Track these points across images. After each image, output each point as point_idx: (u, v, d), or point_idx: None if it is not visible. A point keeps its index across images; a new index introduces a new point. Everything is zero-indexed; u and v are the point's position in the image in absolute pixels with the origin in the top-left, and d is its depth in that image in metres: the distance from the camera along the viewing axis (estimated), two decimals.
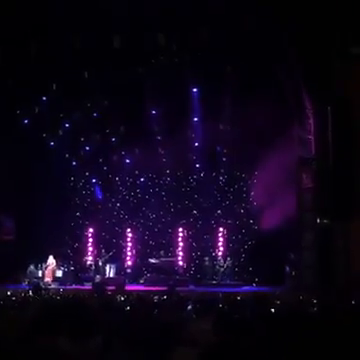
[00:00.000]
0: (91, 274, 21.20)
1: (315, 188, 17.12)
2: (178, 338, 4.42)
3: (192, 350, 3.87)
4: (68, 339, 4.35)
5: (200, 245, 22.50)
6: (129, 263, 22.67)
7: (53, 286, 19.17)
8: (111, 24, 16.29)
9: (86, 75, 18.00)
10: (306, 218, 17.57)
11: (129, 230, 22.96)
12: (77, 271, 22.10)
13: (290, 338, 4.56)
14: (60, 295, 12.89)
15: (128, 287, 19.16)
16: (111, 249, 21.75)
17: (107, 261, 21.39)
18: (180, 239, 22.54)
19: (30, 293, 13.48)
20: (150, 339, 4.22)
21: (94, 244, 22.84)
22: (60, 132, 21.00)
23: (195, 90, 18.64)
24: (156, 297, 10.25)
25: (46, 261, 20.50)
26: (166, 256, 21.69)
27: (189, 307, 7.75)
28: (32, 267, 20.48)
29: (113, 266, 21.53)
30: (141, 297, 10.30)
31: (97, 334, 4.45)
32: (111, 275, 21.38)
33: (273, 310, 7.36)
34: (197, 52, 16.98)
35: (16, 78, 17.49)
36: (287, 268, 19.03)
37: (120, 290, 16.39)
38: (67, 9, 15.49)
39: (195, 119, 19.82)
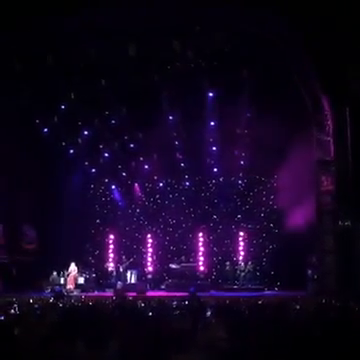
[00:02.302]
0: (113, 280, 21.28)
1: (335, 190, 16.93)
2: (193, 343, 4.42)
3: (203, 355, 3.87)
4: (85, 344, 4.39)
5: (221, 250, 22.46)
6: (150, 269, 22.72)
7: (75, 293, 19.29)
8: (127, 32, 16.44)
9: (103, 83, 18.16)
10: (326, 221, 17.38)
11: (149, 236, 23.03)
12: (99, 278, 22.22)
13: (308, 344, 4.53)
14: (81, 302, 12.95)
15: (149, 293, 19.21)
16: (132, 255, 21.82)
17: (128, 267, 21.46)
18: (200, 244, 22.52)
19: (52, 300, 13.59)
20: (162, 345, 4.23)
21: (115, 251, 22.96)
22: (79, 140, 21.22)
23: (211, 95, 18.64)
24: (176, 303, 10.24)
25: (68, 268, 20.65)
26: (187, 261, 21.67)
27: (208, 313, 7.74)
28: (54, 274, 20.67)
29: (134, 272, 21.58)
30: (161, 302, 10.31)
31: (114, 339, 4.47)
32: (132, 281, 21.42)
33: (293, 315, 7.30)
34: (213, 57, 17.01)
35: (34, 88, 17.75)
36: (309, 272, 18.83)
37: (141, 296, 16.44)
38: (83, 19, 15.71)
39: (212, 123, 19.81)
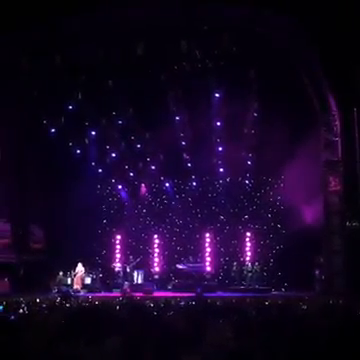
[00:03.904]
0: (120, 281, 21.30)
1: (342, 191, 16.88)
2: (200, 344, 4.42)
3: (211, 355, 3.85)
4: (91, 345, 4.39)
5: (228, 250, 22.39)
6: (157, 269, 22.71)
7: (82, 293, 19.33)
8: (134, 33, 16.47)
9: (110, 83, 18.19)
10: (334, 221, 17.33)
11: (156, 236, 23.03)
12: (106, 278, 22.24)
13: (315, 344, 4.51)
14: (88, 302, 12.95)
15: (156, 293, 19.21)
16: (138, 255, 21.83)
17: (135, 267, 21.47)
18: (207, 244, 22.48)
19: (59, 300, 13.60)
20: (169, 345, 4.23)
21: (122, 251, 22.98)
22: (86, 140, 21.27)
23: (217, 95, 18.61)
24: (183, 303, 10.23)
25: (75, 269, 20.69)
26: (194, 262, 21.64)
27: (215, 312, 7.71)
28: (61, 275, 20.70)
29: (141, 272, 21.58)
30: (168, 303, 10.30)
31: (120, 339, 4.47)
32: (139, 281, 21.43)
33: (300, 316, 7.27)
34: (220, 58, 16.99)
35: (42, 88, 17.81)
36: (316, 272, 18.78)
37: (148, 296, 16.44)
38: (90, 19, 15.75)
39: (218, 124, 19.76)
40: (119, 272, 22.06)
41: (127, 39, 16.67)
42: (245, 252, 22.02)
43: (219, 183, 22.99)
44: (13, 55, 16.85)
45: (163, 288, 21.43)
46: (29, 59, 16.78)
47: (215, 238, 22.54)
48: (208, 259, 22.19)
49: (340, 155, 17.25)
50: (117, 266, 22.53)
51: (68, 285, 20.34)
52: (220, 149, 20.90)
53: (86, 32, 16.47)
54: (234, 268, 21.48)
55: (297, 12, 15.18)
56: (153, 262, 22.82)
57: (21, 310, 9.32)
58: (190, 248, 22.56)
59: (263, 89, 17.51)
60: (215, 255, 22.32)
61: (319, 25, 15.21)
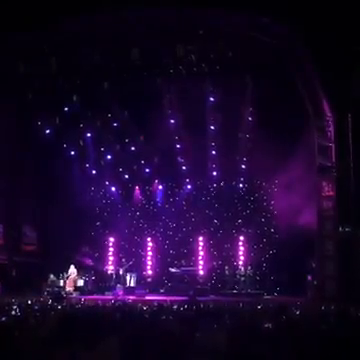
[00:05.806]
0: (112, 283, 21.24)
1: (336, 196, 16.94)
2: (192, 348, 4.42)
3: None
4: (84, 347, 4.38)
5: (221, 254, 22.38)
6: (150, 272, 22.68)
7: (74, 295, 19.26)
8: (131, 36, 16.49)
9: (106, 86, 18.20)
10: (327, 226, 17.39)
11: (149, 239, 23.00)
12: (98, 280, 22.17)
13: (308, 349, 4.53)
14: (81, 304, 12.93)
15: (148, 296, 19.17)
16: (131, 258, 21.78)
17: (127, 270, 21.42)
18: (200, 248, 22.47)
19: (51, 302, 13.57)
20: (162, 349, 4.22)
21: (115, 253, 22.93)
22: (81, 142, 21.26)
23: (212, 99, 18.66)
24: (176, 306, 10.23)
25: (67, 271, 20.61)
26: (187, 265, 21.63)
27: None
28: (53, 277, 20.60)
29: (134, 275, 21.53)
30: (161, 306, 10.29)
31: (113, 342, 4.47)
32: (132, 284, 21.37)
33: (292, 321, 7.29)
34: (216, 62, 17.04)
35: (37, 90, 17.80)
36: (309, 277, 18.82)
37: (140, 299, 16.42)
38: (86, 22, 15.76)
39: (213, 128, 19.81)
40: (112, 275, 22.00)
41: (123, 42, 16.69)
42: (238, 256, 22.00)
43: (213, 187, 23.01)
44: (9, 57, 16.82)
45: (156, 291, 21.38)
46: (25, 61, 16.76)
47: (208, 242, 22.53)
48: (201, 263, 22.18)
49: (334, 160, 17.32)
50: (110, 269, 22.47)
51: (60, 287, 20.25)
52: (214, 153, 20.94)
53: (82, 35, 16.48)
54: (227, 272, 21.47)
55: (293, 18, 15.25)
56: (146, 265, 22.76)
57: (13, 312, 9.29)
58: (183, 251, 22.54)
59: (258, 94, 17.57)
60: (208, 259, 22.30)
61: (314, 31, 15.30)
